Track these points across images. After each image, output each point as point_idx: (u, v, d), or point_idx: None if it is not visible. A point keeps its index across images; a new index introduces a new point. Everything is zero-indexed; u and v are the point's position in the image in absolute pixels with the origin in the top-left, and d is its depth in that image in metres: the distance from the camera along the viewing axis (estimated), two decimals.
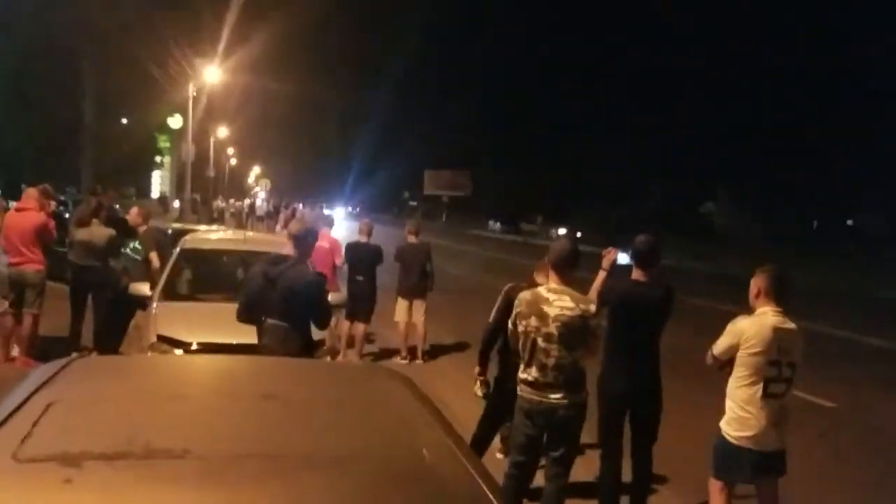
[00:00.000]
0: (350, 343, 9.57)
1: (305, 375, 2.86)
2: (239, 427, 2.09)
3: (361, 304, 9.55)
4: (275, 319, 5.12)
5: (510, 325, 4.66)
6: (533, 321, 4.47)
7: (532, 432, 4.58)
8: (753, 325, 4.25)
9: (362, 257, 9.78)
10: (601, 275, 5.33)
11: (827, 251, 41.70)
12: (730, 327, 4.33)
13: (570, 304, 4.46)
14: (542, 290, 4.59)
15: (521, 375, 4.59)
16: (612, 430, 5.13)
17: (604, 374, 5.16)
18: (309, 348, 5.27)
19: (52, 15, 28.49)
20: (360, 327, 9.65)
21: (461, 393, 6.84)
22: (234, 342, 5.77)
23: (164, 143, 51.82)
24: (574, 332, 4.45)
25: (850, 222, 68.64)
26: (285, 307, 5.07)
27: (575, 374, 4.53)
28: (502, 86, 76.35)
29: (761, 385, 4.21)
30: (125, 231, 9.71)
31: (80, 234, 8.64)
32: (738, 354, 4.26)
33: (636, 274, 5.15)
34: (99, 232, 8.71)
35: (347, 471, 1.88)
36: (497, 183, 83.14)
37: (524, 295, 4.61)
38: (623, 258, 5.33)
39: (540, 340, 4.45)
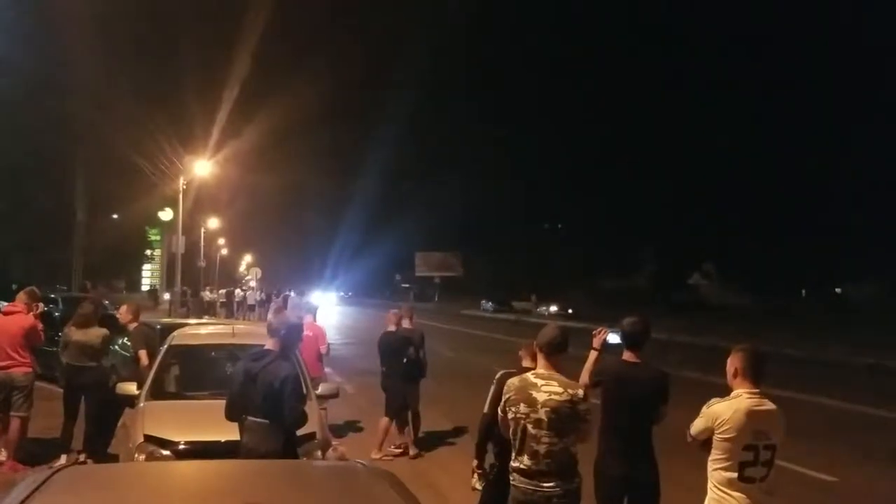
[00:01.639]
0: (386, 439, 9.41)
1: (289, 480, 2.82)
2: None
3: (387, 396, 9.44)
4: (257, 417, 5.08)
5: (500, 412, 4.63)
6: (522, 407, 4.44)
7: None
8: (727, 410, 4.20)
9: (385, 348, 9.62)
10: (592, 355, 5.33)
11: (817, 320, 41.68)
12: (704, 409, 4.29)
13: (559, 390, 4.43)
14: (530, 375, 4.58)
15: (513, 464, 4.53)
16: None
17: (599, 457, 5.10)
18: (292, 445, 5.19)
19: (44, 114, 29.02)
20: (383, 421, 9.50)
21: (458, 482, 6.73)
22: (222, 440, 5.72)
23: (154, 236, 52.11)
24: (564, 417, 4.41)
25: (838, 290, 69.01)
26: (265, 404, 5.03)
27: (567, 461, 4.47)
28: (490, 165, 77.62)
29: (737, 469, 4.15)
30: (114, 328, 9.66)
31: (77, 336, 8.59)
32: (714, 437, 4.22)
33: (626, 355, 5.15)
34: (94, 332, 8.67)
35: None
36: (488, 262, 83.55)
37: (513, 381, 4.59)
38: (614, 338, 5.32)
39: (530, 427, 4.41)
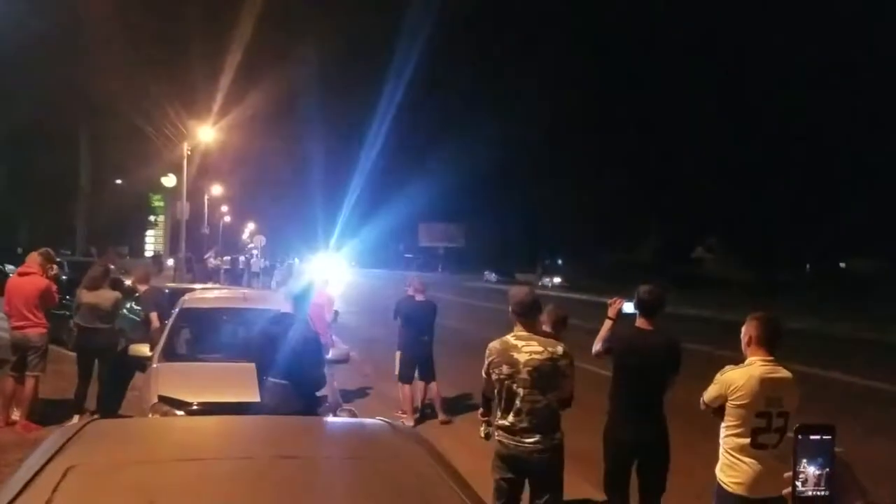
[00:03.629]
0: (413, 409, 9.58)
1: (319, 435, 2.87)
2: (257, 489, 2.10)
3: (428, 364, 9.67)
4: (277, 378, 5.15)
5: (484, 374, 4.78)
6: (505, 369, 4.60)
7: (508, 476, 4.65)
8: (741, 376, 4.26)
9: (422, 315, 9.74)
10: (607, 323, 5.42)
11: (822, 294, 41.70)
12: (718, 376, 4.36)
13: (539, 349, 4.59)
14: (510, 337, 4.71)
15: (498, 422, 4.69)
16: (618, 481, 5.13)
17: (609, 423, 5.18)
18: (312, 406, 5.27)
19: (48, 82, 28.90)
20: (434, 387, 9.78)
21: (468, 448, 6.81)
22: (235, 401, 5.79)
23: (157, 202, 52.05)
24: (545, 375, 4.56)
25: (842, 265, 68.92)
26: (287, 365, 5.11)
27: (549, 417, 4.62)
28: (497, 135, 77.19)
29: (750, 436, 4.22)
30: (123, 291, 9.73)
31: (88, 298, 8.67)
32: (727, 404, 4.29)
33: (640, 322, 5.20)
34: (106, 295, 8.74)
35: None
36: (492, 234, 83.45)
37: (494, 344, 4.73)
38: (629, 307, 5.37)
39: (514, 386, 4.57)
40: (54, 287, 8.55)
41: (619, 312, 5.40)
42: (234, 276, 34.94)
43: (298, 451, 2.46)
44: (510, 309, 4.80)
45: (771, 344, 4.33)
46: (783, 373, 4.28)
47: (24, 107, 28.94)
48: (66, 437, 2.42)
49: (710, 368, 4.49)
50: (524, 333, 4.68)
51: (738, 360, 4.41)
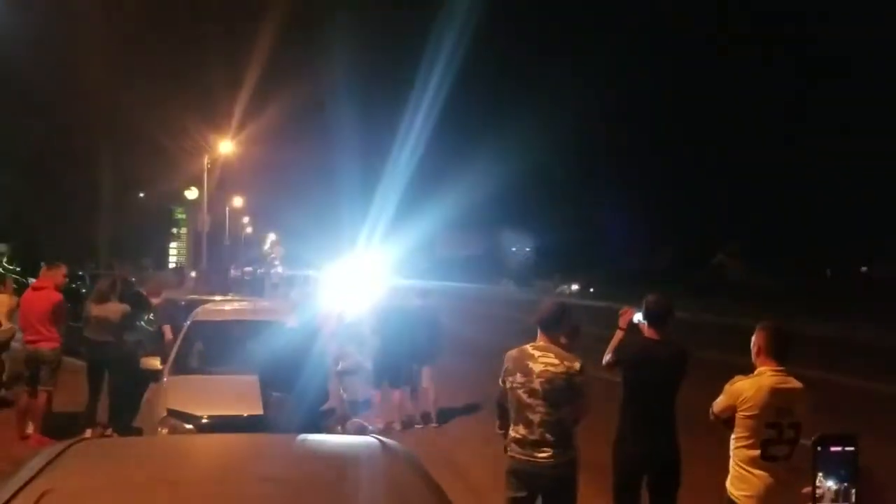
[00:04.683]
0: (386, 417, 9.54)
1: (307, 455, 2.81)
2: None
3: (403, 371, 9.66)
4: (281, 392, 5.14)
5: (500, 382, 4.69)
6: (518, 377, 4.51)
7: (519, 493, 4.53)
8: (750, 387, 4.16)
9: (398, 320, 9.73)
10: (618, 334, 5.30)
11: (843, 300, 41.10)
12: (727, 387, 4.26)
13: (555, 361, 4.48)
14: (528, 347, 4.62)
15: (511, 434, 4.58)
16: (628, 496, 5.00)
17: (619, 436, 5.06)
18: (316, 420, 5.24)
19: (72, 94, 29.21)
20: (422, 394, 9.82)
21: (483, 462, 6.74)
22: (244, 414, 5.80)
23: (179, 214, 52.46)
24: (559, 388, 4.45)
25: (864, 269, 68.11)
26: (290, 379, 5.09)
27: (561, 432, 4.50)
28: (516, 144, 76.94)
29: (760, 447, 4.12)
30: (140, 304, 9.74)
31: (96, 311, 8.67)
32: (736, 415, 4.18)
33: (649, 332, 5.09)
34: (114, 307, 8.74)
35: None
36: (512, 240, 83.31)
37: (511, 352, 4.66)
38: (639, 317, 5.25)
39: (525, 396, 4.47)
40: (63, 302, 8.55)
41: (630, 322, 5.29)
42: (255, 287, 35.05)
43: (280, 472, 2.40)
44: (534, 320, 4.73)
45: (780, 353, 4.23)
46: (793, 383, 4.17)
47: (46, 121, 29.28)
48: (48, 458, 2.39)
49: (728, 377, 4.39)
50: (542, 344, 4.60)
51: (751, 368, 4.32)
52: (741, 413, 4.16)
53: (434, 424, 9.80)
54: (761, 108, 66.90)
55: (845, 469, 1.42)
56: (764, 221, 64.03)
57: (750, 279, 61.95)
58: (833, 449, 1.43)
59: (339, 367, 7.78)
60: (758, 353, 4.26)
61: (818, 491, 1.41)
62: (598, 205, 72.81)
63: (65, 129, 31.11)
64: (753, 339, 4.31)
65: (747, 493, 4.14)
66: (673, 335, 5.14)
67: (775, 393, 4.10)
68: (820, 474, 1.43)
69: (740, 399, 4.16)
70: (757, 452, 4.12)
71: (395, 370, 9.55)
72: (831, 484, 1.43)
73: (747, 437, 4.15)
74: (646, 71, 76.99)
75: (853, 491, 1.40)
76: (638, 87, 77.91)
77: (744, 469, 4.17)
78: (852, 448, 1.43)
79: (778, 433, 4.10)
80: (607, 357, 5.20)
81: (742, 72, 72.52)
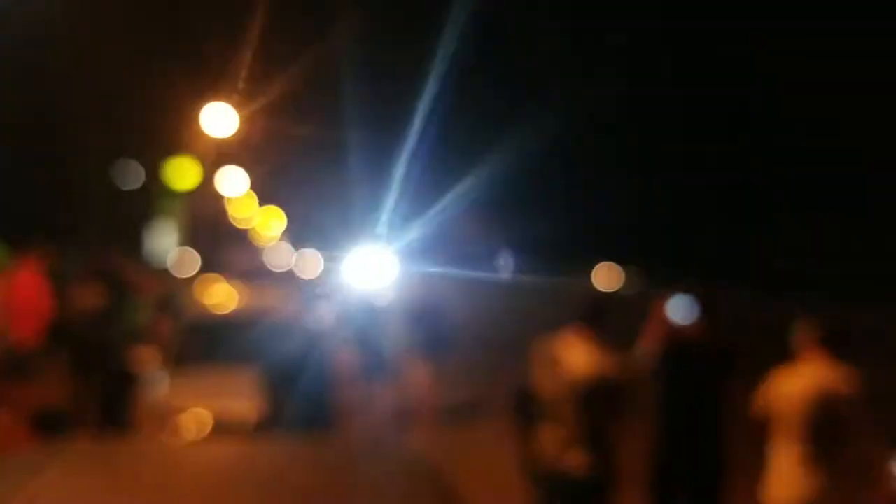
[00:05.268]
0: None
1: (303, 459, 2.81)
2: None
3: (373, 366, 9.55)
4: (293, 389, 5.22)
5: (526, 376, 4.67)
6: (548, 372, 4.45)
7: (546, 499, 4.51)
8: (790, 384, 4.16)
9: (366, 311, 9.75)
10: (653, 327, 5.21)
11: None
12: (767, 384, 4.27)
13: (591, 358, 4.42)
14: (562, 342, 4.55)
15: (539, 435, 4.52)
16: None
17: (656, 436, 5.00)
18: (320, 417, 5.30)
19: (62, 69, 29.37)
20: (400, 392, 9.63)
21: (503, 466, 6.72)
22: (245, 409, 5.89)
23: (174, 196, 52.83)
24: (592, 388, 4.39)
25: None
26: (302, 377, 5.17)
27: (594, 435, 4.44)
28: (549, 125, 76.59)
29: (798, 447, 4.10)
30: (128, 294, 9.76)
31: (80, 301, 8.70)
32: (775, 414, 4.18)
33: (690, 325, 5.01)
34: (100, 297, 8.75)
35: None
36: (540, 225, 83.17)
37: (543, 346, 4.60)
38: (677, 310, 5.15)
39: (556, 396, 4.42)
40: (49, 289, 8.61)
41: (665, 315, 5.20)
42: (256, 275, 35.25)
43: (281, 477, 2.42)
44: (573, 311, 4.68)
45: (826, 348, 4.17)
46: (838, 380, 4.09)
47: (34, 100, 29.50)
48: (40, 459, 2.53)
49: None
50: (579, 337, 4.54)
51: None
52: (779, 411, 4.16)
53: (427, 423, 9.74)
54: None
55: None
56: (815, 203, 63.17)
57: (800, 269, 61.17)
58: None
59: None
60: (804, 347, 4.24)
61: None
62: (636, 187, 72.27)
63: (55, 107, 31.31)
64: (799, 332, 4.28)
65: (784, 496, 4.14)
66: (718, 329, 5.05)
67: (816, 390, 4.07)
68: None
69: (779, 397, 4.17)
70: (795, 452, 4.10)
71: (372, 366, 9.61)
72: None
73: (785, 437, 4.14)
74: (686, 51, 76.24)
75: None
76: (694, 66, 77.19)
77: (782, 471, 4.17)
78: None
79: (816, 433, 4.06)
80: (641, 352, 5.14)
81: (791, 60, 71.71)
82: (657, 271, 42.56)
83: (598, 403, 4.39)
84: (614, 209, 72.01)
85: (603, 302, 4.72)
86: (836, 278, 48.24)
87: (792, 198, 62.66)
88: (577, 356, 4.43)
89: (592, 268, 61.91)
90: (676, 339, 5.02)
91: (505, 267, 62.13)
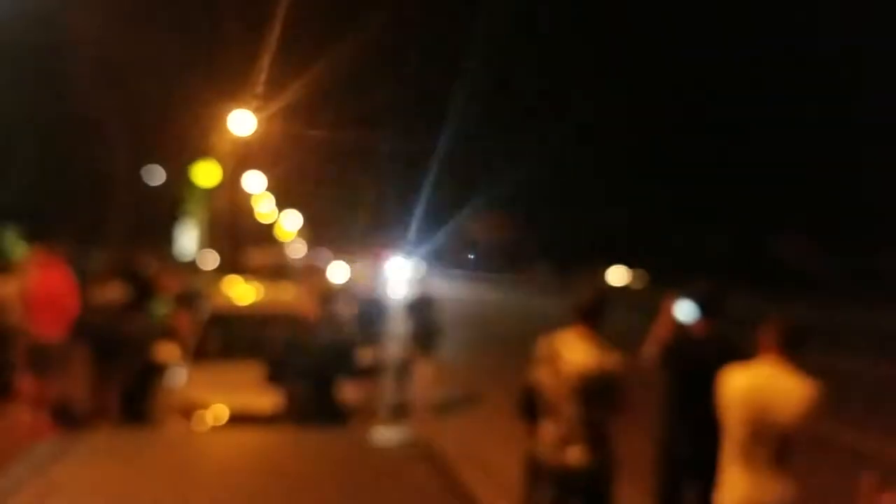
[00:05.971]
0: None
1: (320, 449, 2.84)
2: None
3: None
4: (303, 382, 5.23)
5: (529, 372, 4.69)
6: (548, 368, 4.49)
7: (546, 495, 4.52)
8: (740, 384, 4.13)
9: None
10: (660, 324, 5.24)
11: None
12: (721, 380, 4.24)
13: (590, 354, 4.45)
14: (560, 338, 4.59)
15: (540, 431, 4.56)
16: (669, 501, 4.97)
17: (660, 435, 5.03)
18: (337, 412, 5.33)
19: (86, 73, 29.51)
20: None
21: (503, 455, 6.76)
22: (264, 403, 5.93)
23: (195, 197, 52.98)
24: (591, 384, 4.41)
25: None
26: (313, 371, 5.19)
27: (593, 432, 4.46)
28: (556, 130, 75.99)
29: (740, 447, 4.06)
30: (152, 291, 9.85)
31: (98, 295, 8.79)
32: (727, 413, 4.16)
33: (695, 325, 5.04)
34: (119, 291, 8.84)
35: None
36: (550, 224, 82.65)
37: (543, 342, 4.63)
38: (683, 310, 5.17)
39: (554, 390, 4.45)
40: (73, 284, 8.68)
41: (671, 314, 5.22)
42: (275, 274, 35.30)
43: (290, 467, 2.45)
44: (574, 308, 4.71)
45: (782, 349, 4.12)
46: (792, 381, 4.02)
47: (57, 95, 29.63)
48: (58, 450, 2.50)
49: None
50: (578, 334, 4.57)
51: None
52: (729, 411, 4.14)
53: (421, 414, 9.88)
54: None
55: None
56: (826, 203, 62.42)
57: (810, 267, 60.69)
58: None
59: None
60: (762, 348, 4.20)
61: None
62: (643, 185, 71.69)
63: (75, 105, 31.45)
64: (760, 332, 4.25)
65: (728, 497, 4.12)
66: (723, 327, 5.06)
67: (763, 390, 4.02)
68: None
69: (729, 395, 4.15)
70: (740, 452, 4.06)
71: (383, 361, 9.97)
72: None
73: (731, 436, 4.13)
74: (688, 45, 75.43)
75: None
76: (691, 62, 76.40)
77: (730, 470, 4.14)
78: None
79: (758, 434, 4.01)
80: (647, 352, 5.16)
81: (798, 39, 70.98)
82: (668, 273, 42.44)
83: (596, 399, 4.41)
84: (628, 214, 71.67)
85: (602, 299, 4.73)
86: (846, 279, 47.92)
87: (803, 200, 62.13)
88: (576, 352, 4.46)
89: (606, 269, 62.01)
90: (682, 336, 5.05)
91: (525, 270, 62.17)
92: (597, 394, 4.42)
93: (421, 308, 10.12)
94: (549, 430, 4.49)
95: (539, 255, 69.81)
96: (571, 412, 4.41)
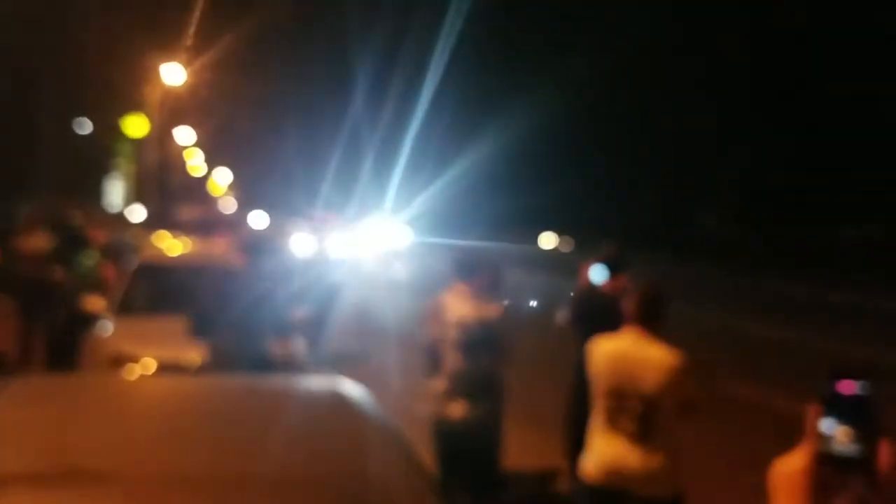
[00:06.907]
0: None
1: (249, 393, 2.88)
2: (172, 448, 2.13)
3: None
4: (230, 335, 5.23)
5: (421, 331, 4.90)
6: (438, 327, 4.65)
7: (438, 446, 4.64)
8: (600, 350, 4.08)
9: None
10: (576, 289, 5.44)
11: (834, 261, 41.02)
12: (589, 348, 4.18)
13: (470, 308, 4.58)
14: (447, 294, 4.73)
15: (431, 386, 4.72)
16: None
17: (571, 389, 5.19)
18: (264, 366, 5.34)
19: (14, 21, 28.34)
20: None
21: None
22: (193, 357, 5.88)
23: (124, 149, 51.51)
24: (475, 337, 4.53)
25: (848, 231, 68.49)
26: (237, 323, 5.18)
27: (477, 384, 4.58)
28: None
29: (604, 416, 3.99)
30: (80, 241, 9.67)
31: (25, 243, 8.59)
32: (592, 382, 4.12)
33: (605, 285, 5.22)
34: (46, 241, 8.66)
35: (281, 494, 1.92)
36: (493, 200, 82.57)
37: (429, 302, 4.83)
38: (595, 272, 5.34)
39: (444, 346, 4.61)
40: None
41: (588, 278, 5.37)
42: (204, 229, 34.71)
43: (223, 410, 2.49)
44: (451, 267, 4.83)
45: (642, 318, 4.02)
46: (653, 351, 3.93)
47: None
48: None
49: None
50: (457, 292, 4.70)
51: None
52: (593, 378, 4.08)
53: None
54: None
55: (855, 409, 1.31)
56: (754, 179, 63.73)
57: (736, 239, 61.92)
58: (840, 386, 1.31)
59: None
60: (626, 316, 4.11)
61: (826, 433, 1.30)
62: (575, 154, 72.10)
63: (3, 51, 30.21)
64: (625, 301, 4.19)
65: (589, 466, 4.05)
66: (627, 287, 5.10)
67: (625, 360, 3.95)
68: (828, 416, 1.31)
69: (593, 362, 4.09)
70: (603, 421, 3.98)
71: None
72: (834, 424, 1.31)
73: (596, 405, 4.05)
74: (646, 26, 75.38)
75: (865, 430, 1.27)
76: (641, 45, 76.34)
77: (593, 440, 4.07)
78: (864, 382, 1.30)
79: (623, 404, 3.91)
80: (560, 316, 5.32)
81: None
82: (594, 241, 42.75)
83: (481, 350, 4.56)
84: (566, 190, 72.12)
85: (474, 257, 4.87)
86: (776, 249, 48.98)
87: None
88: (459, 306, 4.60)
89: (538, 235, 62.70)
90: (590, 294, 5.23)
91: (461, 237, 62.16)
92: (480, 344, 4.54)
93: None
94: (439, 384, 4.63)
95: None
96: (458, 364, 4.55)
